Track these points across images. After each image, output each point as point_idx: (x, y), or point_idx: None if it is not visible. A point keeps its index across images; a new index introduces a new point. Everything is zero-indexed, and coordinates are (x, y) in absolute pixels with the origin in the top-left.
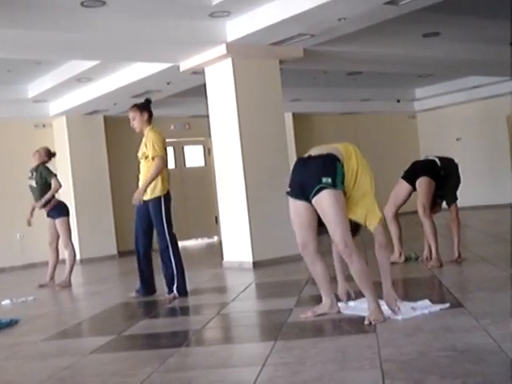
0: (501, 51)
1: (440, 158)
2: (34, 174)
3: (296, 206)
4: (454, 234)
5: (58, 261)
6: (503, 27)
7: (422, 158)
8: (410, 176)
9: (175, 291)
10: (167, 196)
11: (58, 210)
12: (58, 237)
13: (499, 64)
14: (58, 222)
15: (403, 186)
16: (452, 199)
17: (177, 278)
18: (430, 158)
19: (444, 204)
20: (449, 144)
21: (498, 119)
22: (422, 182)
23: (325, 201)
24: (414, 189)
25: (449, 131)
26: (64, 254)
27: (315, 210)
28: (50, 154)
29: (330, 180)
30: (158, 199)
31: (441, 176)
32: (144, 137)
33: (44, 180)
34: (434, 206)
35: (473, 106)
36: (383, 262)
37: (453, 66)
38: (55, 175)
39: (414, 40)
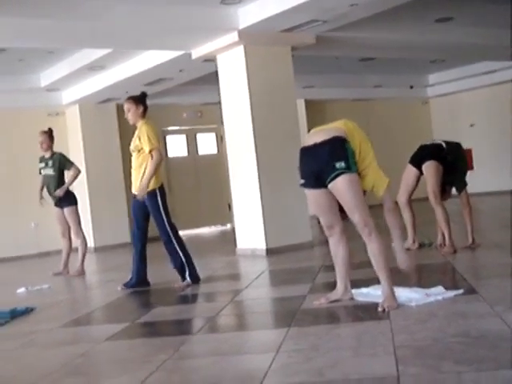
0: None
1: (446, 143)
2: (50, 162)
3: (314, 195)
4: (467, 220)
5: (71, 249)
6: None
7: (428, 142)
8: (417, 160)
9: (188, 279)
10: (161, 188)
11: (67, 199)
12: (69, 225)
13: None
14: (67, 210)
15: (410, 171)
16: (461, 185)
17: (187, 266)
18: (437, 142)
19: (454, 190)
20: (462, 130)
21: None
22: (429, 167)
23: (341, 186)
24: (421, 173)
25: (462, 117)
26: (76, 242)
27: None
28: (52, 135)
29: (343, 164)
30: (153, 192)
31: (448, 161)
32: (137, 129)
33: (62, 168)
34: (443, 193)
35: (486, 92)
36: (393, 223)
37: (466, 51)
38: (73, 162)
39: (426, 25)
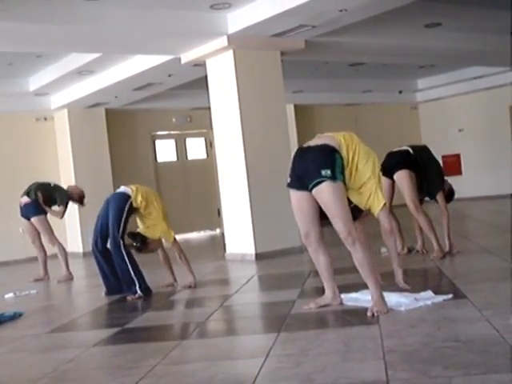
0: (503, 41)
1: (413, 147)
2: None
3: (297, 197)
4: (444, 227)
5: (46, 256)
6: (505, 17)
7: (395, 149)
8: (387, 170)
9: (139, 291)
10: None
11: (33, 208)
12: (39, 233)
13: (501, 54)
14: (35, 220)
15: (383, 182)
16: (436, 189)
17: (136, 278)
18: (403, 148)
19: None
20: (451, 135)
21: (501, 110)
22: (402, 176)
23: (324, 193)
24: (394, 181)
25: (451, 122)
26: (53, 249)
27: (316, 200)
28: (82, 198)
29: (329, 172)
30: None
31: (419, 165)
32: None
33: (56, 197)
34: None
35: (475, 97)
36: (390, 247)
37: (455, 56)
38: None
39: (416, 30)
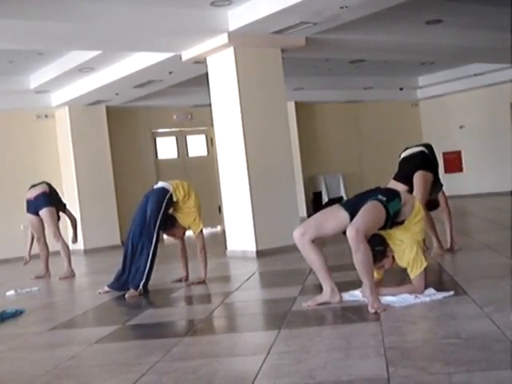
0: (503, 38)
1: (425, 146)
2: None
3: (342, 217)
4: (446, 224)
5: (48, 254)
6: (505, 14)
7: (404, 151)
8: (405, 176)
9: (141, 287)
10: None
11: (43, 199)
12: (43, 230)
13: (502, 51)
14: (46, 211)
15: (399, 189)
16: (438, 187)
17: (146, 276)
18: (417, 149)
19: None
20: (452, 132)
21: (501, 106)
22: (420, 176)
23: (373, 205)
24: (411, 187)
25: (452, 119)
26: (56, 245)
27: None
28: None
29: (384, 198)
30: (165, 191)
31: (433, 164)
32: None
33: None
34: (430, 206)
35: (476, 94)
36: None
37: (456, 53)
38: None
39: (416, 27)
